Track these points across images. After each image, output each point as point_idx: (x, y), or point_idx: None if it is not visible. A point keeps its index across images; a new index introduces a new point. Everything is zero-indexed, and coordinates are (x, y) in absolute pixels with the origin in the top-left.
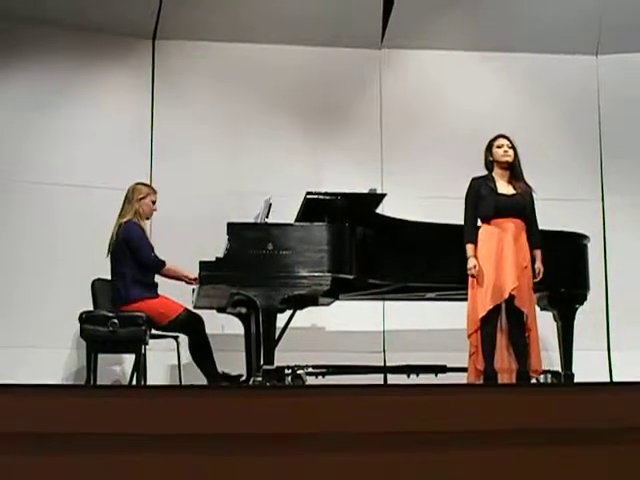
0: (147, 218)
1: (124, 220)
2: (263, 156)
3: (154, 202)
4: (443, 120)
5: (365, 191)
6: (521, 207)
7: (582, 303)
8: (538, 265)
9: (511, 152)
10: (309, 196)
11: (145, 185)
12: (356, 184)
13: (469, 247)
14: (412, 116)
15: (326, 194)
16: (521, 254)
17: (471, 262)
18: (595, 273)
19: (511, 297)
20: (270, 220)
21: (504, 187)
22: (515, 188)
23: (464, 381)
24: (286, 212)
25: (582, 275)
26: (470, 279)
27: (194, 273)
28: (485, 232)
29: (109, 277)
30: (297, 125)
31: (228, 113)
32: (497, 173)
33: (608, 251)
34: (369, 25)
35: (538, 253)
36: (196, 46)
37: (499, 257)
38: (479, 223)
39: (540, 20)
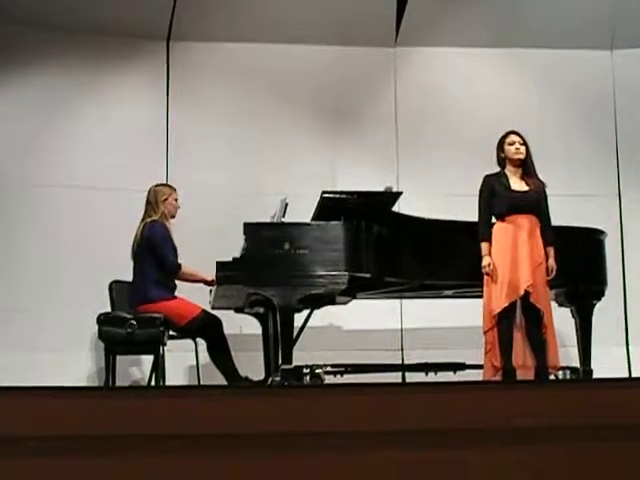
0: (172, 217)
1: (150, 220)
2: (279, 156)
3: (177, 200)
4: (458, 117)
5: (381, 189)
6: (535, 203)
7: (600, 299)
8: (551, 263)
9: (523, 149)
10: (325, 195)
11: (165, 185)
12: (372, 183)
13: (483, 245)
14: (427, 114)
15: (342, 193)
16: (536, 250)
17: (485, 260)
18: (612, 269)
19: (526, 294)
20: (286, 220)
21: (517, 183)
22: (528, 184)
23: (482, 378)
24: (302, 211)
25: (600, 271)
26: (485, 276)
27: (211, 275)
28: (500, 229)
29: (127, 279)
30: (312, 124)
31: (243, 113)
32: (509, 170)
33: (625, 246)
34: (383, 23)
35: (551, 250)
36: (210, 47)
37: (514, 254)
38: (493, 220)
39: (554, 16)
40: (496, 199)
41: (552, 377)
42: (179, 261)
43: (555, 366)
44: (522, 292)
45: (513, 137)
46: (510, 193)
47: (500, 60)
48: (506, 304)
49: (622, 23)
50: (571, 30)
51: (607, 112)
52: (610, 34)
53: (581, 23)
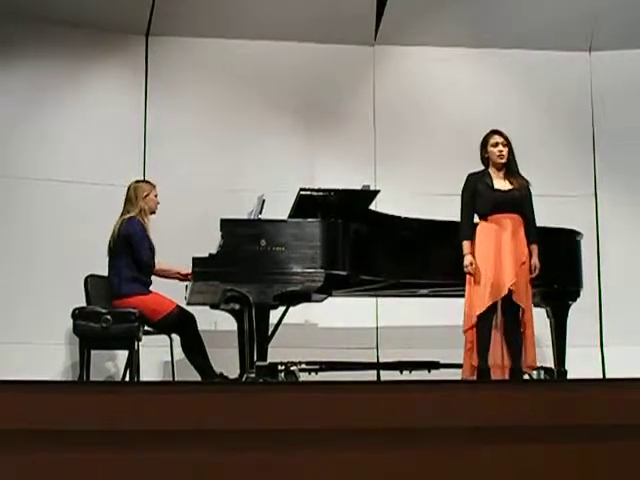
0: (152, 213)
1: (127, 216)
2: (256, 153)
3: (156, 196)
4: (437, 116)
5: (358, 187)
6: (518, 202)
7: (575, 299)
8: (534, 261)
9: (505, 151)
10: (302, 192)
11: (145, 182)
12: (349, 180)
13: (465, 244)
14: (406, 112)
15: (319, 190)
16: (519, 250)
17: (467, 259)
18: (588, 270)
19: (509, 293)
20: (263, 216)
21: (500, 183)
22: (512, 183)
23: (457, 377)
24: (279, 208)
25: (575, 271)
26: (467, 275)
27: (186, 269)
28: (483, 229)
29: (103, 273)
30: (291, 121)
31: (221, 109)
32: (493, 169)
33: (601, 248)
34: (363, 21)
35: (534, 248)
36: (189, 42)
37: (497, 254)
38: (476, 219)
39: (534, 17)
40: (479, 198)
41: (526, 377)
42: (155, 259)
43: (532, 365)
44: (506, 291)
45: (496, 138)
46: (493, 192)
47: (479, 60)
48: (489, 304)
49: (600, 25)
50: (550, 31)
51: (584, 113)
52: (588, 36)
53: (560, 25)
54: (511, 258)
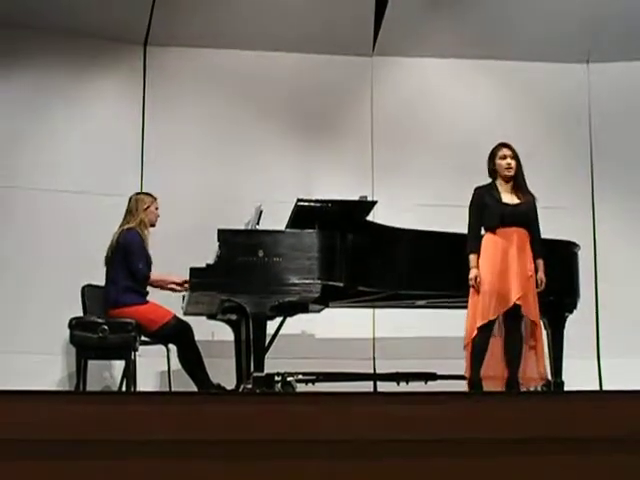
0: (152, 225)
1: (126, 227)
2: (254, 163)
3: (157, 209)
4: (434, 127)
5: (356, 198)
6: (525, 216)
7: (572, 311)
8: (540, 275)
9: (513, 164)
10: (300, 203)
11: (146, 194)
12: (347, 191)
13: (472, 258)
14: (403, 123)
15: (317, 201)
16: (526, 264)
17: (473, 273)
18: (585, 281)
19: (515, 307)
20: (261, 227)
21: (508, 196)
22: (519, 197)
23: (454, 389)
24: (277, 219)
25: (572, 283)
26: (472, 289)
27: (179, 276)
28: (490, 241)
29: (99, 283)
30: (288, 132)
31: (219, 119)
32: (500, 182)
33: (598, 259)
34: (361, 32)
35: (540, 263)
36: (187, 52)
37: (504, 266)
38: (482, 231)
39: (532, 28)
40: (487, 211)
41: (523, 389)
42: (152, 269)
43: (543, 377)
44: (511, 304)
45: (505, 151)
46: (501, 206)
47: (477, 71)
48: (493, 317)
49: (598, 37)
50: (548, 43)
51: (582, 125)
52: (586, 48)
53: (558, 36)
54: (517, 272)
